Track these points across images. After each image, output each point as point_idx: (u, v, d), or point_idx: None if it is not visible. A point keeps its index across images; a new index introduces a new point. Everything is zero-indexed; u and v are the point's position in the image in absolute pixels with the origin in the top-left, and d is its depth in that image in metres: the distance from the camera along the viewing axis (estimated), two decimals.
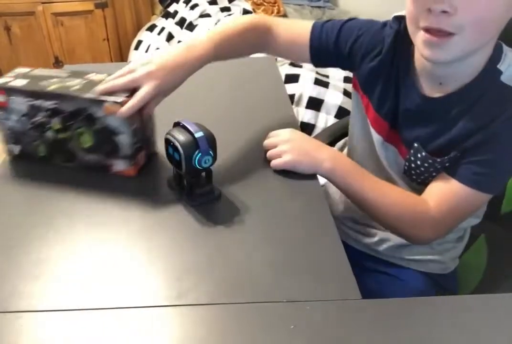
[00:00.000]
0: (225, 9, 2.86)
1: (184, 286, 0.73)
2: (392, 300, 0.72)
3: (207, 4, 2.86)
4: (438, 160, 0.92)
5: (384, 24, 1.00)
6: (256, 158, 1.03)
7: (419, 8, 0.78)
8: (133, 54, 2.75)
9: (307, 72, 2.25)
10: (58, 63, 2.88)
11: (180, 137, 0.85)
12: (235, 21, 1.03)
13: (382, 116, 1.01)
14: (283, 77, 1.55)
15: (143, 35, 2.80)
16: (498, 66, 0.84)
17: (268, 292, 0.73)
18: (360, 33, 1.00)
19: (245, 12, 2.83)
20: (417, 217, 0.92)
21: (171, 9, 2.91)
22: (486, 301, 0.72)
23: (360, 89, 1.06)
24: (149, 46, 2.71)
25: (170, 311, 0.70)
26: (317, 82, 2.19)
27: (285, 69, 2.25)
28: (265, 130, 1.07)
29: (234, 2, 2.93)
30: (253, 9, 2.90)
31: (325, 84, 2.19)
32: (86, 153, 0.97)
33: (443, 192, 0.90)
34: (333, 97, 2.14)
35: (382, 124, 1.02)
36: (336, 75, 2.31)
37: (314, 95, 2.15)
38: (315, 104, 2.14)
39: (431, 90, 0.91)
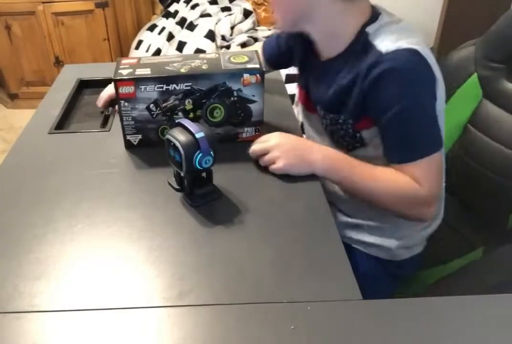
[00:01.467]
0: (225, 9, 2.86)
1: (185, 286, 0.73)
2: (392, 301, 0.72)
3: (208, 3, 2.85)
4: (331, 115, 1.02)
5: None
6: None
7: None
8: (133, 54, 2.74)
9: None
10: (58, 63, 2.87)
11: (180, 137, 0.84)
12: None
13: (301, 85, 1.14)
14: (283, 77, 1.55)
15: (144, 34, 2.79)
16: (366, 29, 0.94)
17: (268, 292, 0.73)
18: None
19: (246, 11, 2.83)
20: (410, 195, 0.94)
21: (172, 8, 2.90)
22: (487, 301, 0.72)
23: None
24: (149, 46, 2.70)
25: (171, 312, 0.70)
26: None
27: (286, 69, 2.24)
28: (266, 130, 1.07)
29: (234, 2, 2.93)
30: (254, 9, 2.89)
31: None
32: (215, 127, 1.05)
33: (415, 175, 0.92)
34: None
35: (301, 92, 1.15)
36: None
37: None
38: None
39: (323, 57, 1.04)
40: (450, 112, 1.15)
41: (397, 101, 0.90)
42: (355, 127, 0.99)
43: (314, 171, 0.97)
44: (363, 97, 0.93)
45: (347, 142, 1.02)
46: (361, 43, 0.94)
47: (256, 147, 1.01)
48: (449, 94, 1.17)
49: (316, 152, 0.98)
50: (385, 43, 0.91)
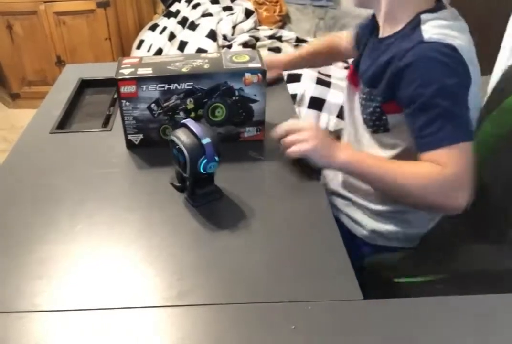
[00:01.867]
0: (227, 8, 2.86)
1: (185, 286, 0.73)
2: (393, 301, 0.72)
3: (209, 3, 2.85)
4: (367, 89, 1.03)
5: None
6: (258, 158, 1.03)
7: None
8: (135, 54, 2.75)
9: (309, 71, 2.24)
10: (60, 63, 2.87)
11: (186, 140, 0.84)
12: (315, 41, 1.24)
13: (354, 62, 1.17)
14: (285, 77, 1.55)
15: (145, 34, 2.79)
16: (422, 15, 0.95)
17: (269, 292, 0.73)
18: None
19: (247, 11, 2.83)
20: (437, 178, 0.90)
21: (173, 8, 2.90)
22: (487, 302, 0.72)
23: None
24: (151, 46, 2.70)
25: (171, 311, 0.70)
26: (319, 81, 2.19)
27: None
28: (268, 130, 1.08)
29: (236, 1, 2.92)
30: (255, 8, 2.89)
31: (327, 84, 2.19)
32: (217, 126, 1.06)
33: (440, 160, 0.90)
34: (335, 97, 2.13)
35: (350, 69, 1.18)
36: (337, 74, 2.30)
37: (316, 94, 2.14)
38: (317, 103, 2.13)
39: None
40: (491, 122, 1.13)
41: (424, 87, 0.89)
42: (383, 107, 1.00)
43: (332, 164, 0.97)
44: (394, 78, 0.94)
45: (373, 122, 1.03)
46: (411, 27, 0.96)
47: (286, 125, 1.00)
48: (497, 105, 1.14)
49: (337, 146, 0.98)
50: (431, 32, 0.92)
